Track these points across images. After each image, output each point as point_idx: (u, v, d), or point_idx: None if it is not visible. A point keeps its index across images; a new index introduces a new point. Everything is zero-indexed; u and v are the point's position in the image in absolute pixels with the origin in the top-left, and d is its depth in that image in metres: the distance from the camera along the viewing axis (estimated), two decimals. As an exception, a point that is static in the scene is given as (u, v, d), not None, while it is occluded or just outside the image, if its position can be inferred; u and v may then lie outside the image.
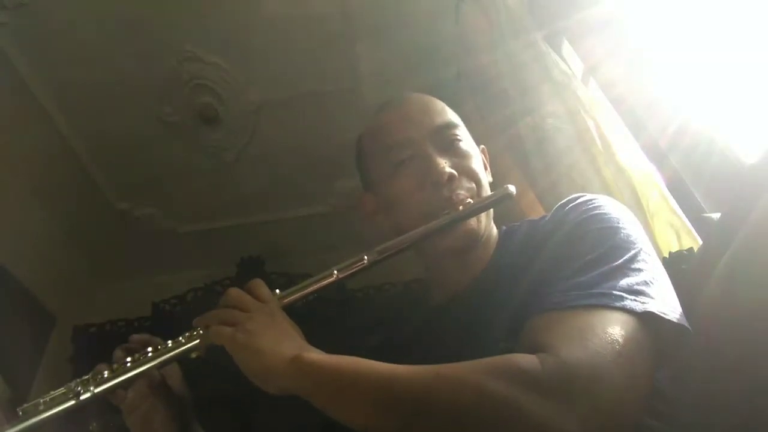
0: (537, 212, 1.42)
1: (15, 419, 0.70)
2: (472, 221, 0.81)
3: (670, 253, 0.90)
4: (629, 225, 0.72)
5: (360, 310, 2.11)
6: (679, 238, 0.98)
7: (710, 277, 0.74)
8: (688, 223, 0.98)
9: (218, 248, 2.40)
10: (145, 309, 2.31)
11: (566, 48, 1.38)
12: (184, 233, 2.40)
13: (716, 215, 0.84)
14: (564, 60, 1.33)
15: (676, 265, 0.83)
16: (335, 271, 0.78)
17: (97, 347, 2.22)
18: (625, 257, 0.66)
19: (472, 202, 0.81)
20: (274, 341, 0.68)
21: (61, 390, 0.72)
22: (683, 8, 1.05)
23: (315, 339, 0.72)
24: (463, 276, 0.84)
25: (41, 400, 0.71)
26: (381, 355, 0.85)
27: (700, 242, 0.92)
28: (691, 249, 0.91)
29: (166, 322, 2.26)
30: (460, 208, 0.79)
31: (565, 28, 1.34)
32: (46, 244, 2.12)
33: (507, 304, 0.73)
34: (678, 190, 1.01)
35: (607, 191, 1.11)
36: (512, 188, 0.81)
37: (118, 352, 0.78)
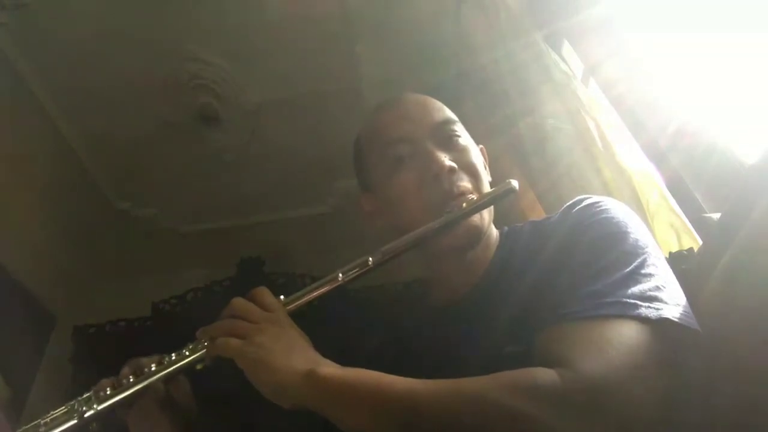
0: (537, 212, 1.42)
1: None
2: (475, 217, 0.80)
3: (670, 253, 0.90)
4: (637, 229, 0.71)
5: (360, 310, 2.11)
6: (679, 238, 0.98)
7: (710, 277, 0.74)
8: (688, 223, 0.98)
9: (218, 248, 2.40)
10: (145, 309, 2.31)
11: (566, 48, 1.38)
12: (184, 233, 2.41)
13: (716, 215, 0.84)
14: (564, 60, 1.33)
15: (676, 265, 0.82)
16: (340, 275, 0.76)
17: (97, 347, 2.22)
18: (636, 263, 0.66)
19: (474, 198, 0.80)
20: (285, 355, 0.66)
21: (62, 409, 0.70)
22: (683, 8, 1.06)
23: (315, 339, 0.72)
24: (465, 276, 0.84)
25: (41, 421, 0.69)
26: (381, 356, 0.85)
27: (700, 242, 0.92)
28: (691, 249, 0.90)
29: (166, 322, 2.26)
30: (464, 205, 0.78)
31: (565, 28, 1.34)
32: (46, 244, 2.13)
33: (511, 306, 0.73)
34: (678, 190, 1.01)
35: (607, 191, 1.11)
36: (515, 183, 0.80)
37: (125, 369, 0.75)
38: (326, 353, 0.69)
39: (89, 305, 2.39)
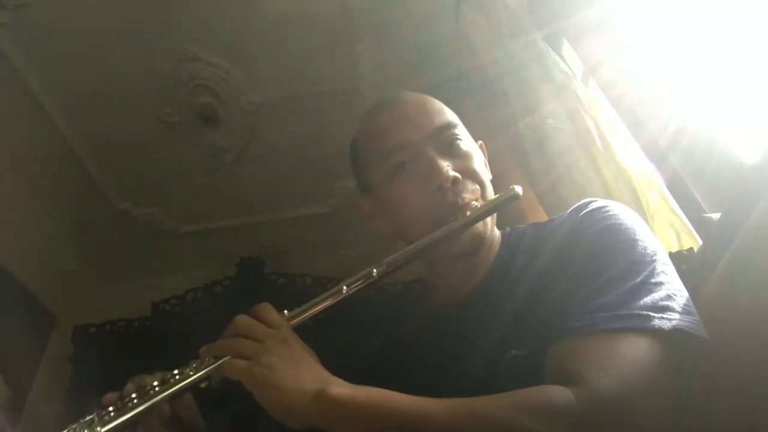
0: (537, 212, 1.42)
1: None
2: (478, 225, 0.79)
3: (670, 253, 0.90)
4: (644, 235, 0.71)
5: (360, 310, 2.11)
6: (679, 238, 0.98)
7: (710, 277, 0.74)
8: (688, 223, 0.98)
9: (218, 248, 2.40)
10: (145, 309, 2.31)
11: (566, 48, 1.38)
12: (184, 233, 2.41)
13: (716, 215, 0.84)
14: (564, 60, 1.33)
15: (676, 265, 0.83)
16: (344, 287, 0.75)
17: (97, 347, 2.22)
18: (646, 272, 0.66)
19: (478, 205, 0.79)
20: (294, 375, 0.65)
21: None
22: (683, 8, 1.05)
23: (314, 340, 0.71)
24: (466, 278, 0.83)
25: None
26: (382, 357, 0.85)
27: (700, 242, 0.92)
28: (691, 249, 0.90)
29: (166, 322, 2.26)
30: (468, 213, 0.78)
31: (565, 28, 1.34)
32: (46, 244, 2.13)
33: (512, 308, 0.72)
34: (678, 190, 1.01)
35: (607, 191, 1.11)
36: (519, 189, 0.79)
37: (129, 386, 0.73)
38: (327, 354, 0.69)
39: (89, 305, 2.39)
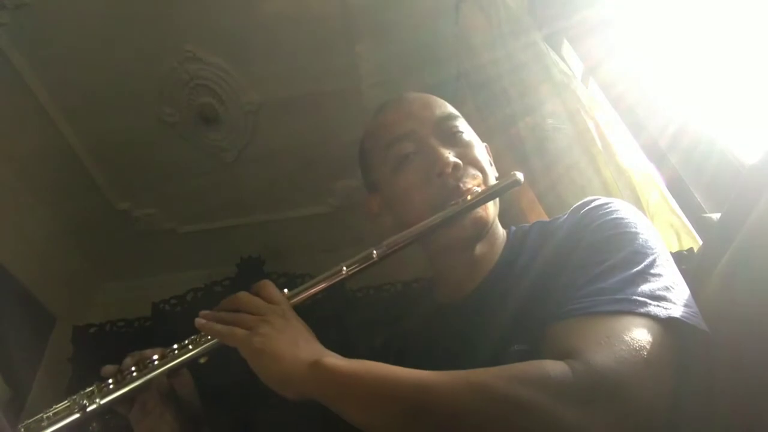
0: (537, 212, 1.42)
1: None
2: (480, 209, 0.80)
3: (669, 253, 0.90)
4: (646, 230, 0.71)
5: (360, 310, 2.11)
6: (679, 238, 0.98)
7: (710, 277, 0.74)
8: (688, 223, 0.98)
9: (218, 248, 2.40)
10: (145, 309, 2.31)
11: (566, 48, 1.38)
12: (184, 233, 2.40)
13: (716, 215, 0.84)
14: (564, 60, 1.33)
15: (676, 265, 0.83)
16: (344, 268, 0.76)
17: (97, 347, 2.22)
18: (645, 262, 0.66)
19: (479, 190, 0.80)
20: (290, 345, 0.66)
21: (65, 403, 0.70)
22: (683, 8, 1.06)
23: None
24: (471, 273, 0.83)
25: (44, 415, 0.68)
26: (383, 355, 0.85)
27: (700, 242, 0.92)
28: (691, 249, 0.90)
29: (166, 322, 2.26)
30: (468, 197, 0.78)
31: (565, 28, 1.35)
32: (46, 244, 2.13)
33: (517, 304, 0.73)
34: (678, 190, 1.01)
35: (607, 191, 1.11)
36: (520, 175, 0.80)
37: (127, 359, 0.75)
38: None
39: (89, 305, 2.39)
